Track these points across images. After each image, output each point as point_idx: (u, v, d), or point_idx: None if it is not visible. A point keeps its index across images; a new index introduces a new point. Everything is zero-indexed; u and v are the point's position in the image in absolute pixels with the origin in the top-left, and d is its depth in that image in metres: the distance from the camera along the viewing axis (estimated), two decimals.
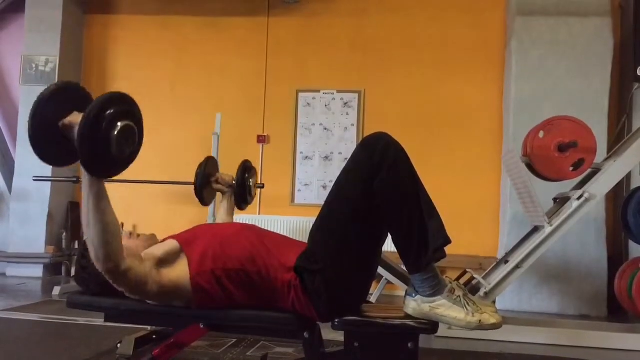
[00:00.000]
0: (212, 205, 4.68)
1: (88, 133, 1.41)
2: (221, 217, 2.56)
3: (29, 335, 3.18)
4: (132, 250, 1.69)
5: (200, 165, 2.60)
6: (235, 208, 2.63)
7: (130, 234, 1.88)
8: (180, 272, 1.71)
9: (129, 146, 1.49)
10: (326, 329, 1.73)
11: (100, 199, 1.52)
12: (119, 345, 2.64)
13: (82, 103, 1.51)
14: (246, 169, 2.67)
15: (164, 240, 1.86)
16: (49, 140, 1.53)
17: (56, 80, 5.65)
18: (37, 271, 5.51)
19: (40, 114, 1.50)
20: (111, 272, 1.58)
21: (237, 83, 5.72)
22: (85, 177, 1.50)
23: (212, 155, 4.91)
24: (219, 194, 2.70)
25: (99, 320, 2.73)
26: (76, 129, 1.44)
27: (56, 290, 4.47)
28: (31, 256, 5.48)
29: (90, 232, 1.53)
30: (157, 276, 1.68)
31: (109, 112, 1.43)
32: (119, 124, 1.44)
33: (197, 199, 2.64)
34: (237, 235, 1.78)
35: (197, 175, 2.56)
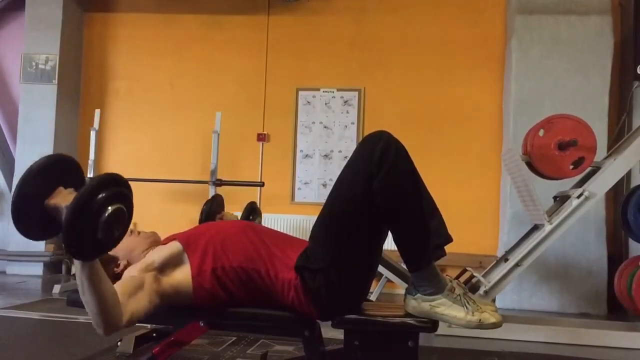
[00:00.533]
0: None
1: (75, 223, 1.36)
2: None
3: (29, 334, 3.18)
4: (126, 289, 1.60)
5: (207, 202, 2.57)
6: None
7: (131, 232, 1.88)
8: (181, 275, 1.71)
9: (117, 229, 1.45)
10: (326, 327, 1.73)
11: (93, 277, 1.46)
12: (119, 343, 2.66)
13: (73, 177, 1.51)
14: (252, 210, 2.65)
15: (166, 239, 1.86)
16: (32, 218, 1.47)
17: (56, 79, 5.66)
18: (37, 269, 5.51)
19: (26, 191, 1.43)
20: (114, 330, 1.55)
21: (237, 81, 5.72)
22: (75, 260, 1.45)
23: (214, 157, 4.93)
24: None
25: None
26: (63, 212, 1.40)
27: (56, 289, 4.47)
28: (31, 254, 5.47)
29: (87, 304, 1.49)
30: (158, 287, 1.67)
31: (99, 197, 1.38)
32: (110, 208, 1.40)
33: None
34: (238, 234, 1.78)
35: (202, 212, 2.54)
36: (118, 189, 1.45)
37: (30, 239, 1.52)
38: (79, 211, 1.36)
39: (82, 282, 1.46)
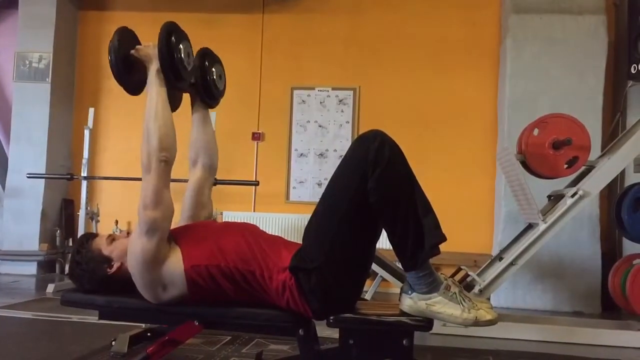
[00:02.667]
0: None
1: (166, 45, 1.84)
2: (196, 130, 2.17)
3: (23, 333, 3.17)
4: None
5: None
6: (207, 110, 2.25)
7: (128, 233, 1.88)
8: (174, 262, 1.71)
9: (190, 63, 1.95)
10: (321, 326, 1.73)
11: (165, 100, 1.83)
12: (113, 342, 2.64)
13: (136, 40, 1.98)
14: (205, 55, 2.24)
15: None
16: (125, 68, 1.92)
17: (50, 77, 5.63)
18: (31, 269, 5.49)
19: (118, 47, 1.90)
20: (167, 160, 1.76)
21: (232, 80, 5.61)
22: (155, 82, 1.84)
23: None
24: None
25: (93, 318, 2.72)
26: (147, 50, 1.86)
27: (50, 288, 4.45)
28: (25, 253, 5.45)
29: (156, 122, 1.77)
30: (164, 251, 1.71)
31: (174, 37, 1.88)
32: (181, 46, 1.90)
33: None
34: (234, 235, 1.78)
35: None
36: (183, 33, 1.97)
37: (128, 89, 2.00)
38: (166, 41, 1.85)
39: (158, 101, 1.81)
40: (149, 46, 1.87)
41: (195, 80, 2.14)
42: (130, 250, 1.73)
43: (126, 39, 1.95)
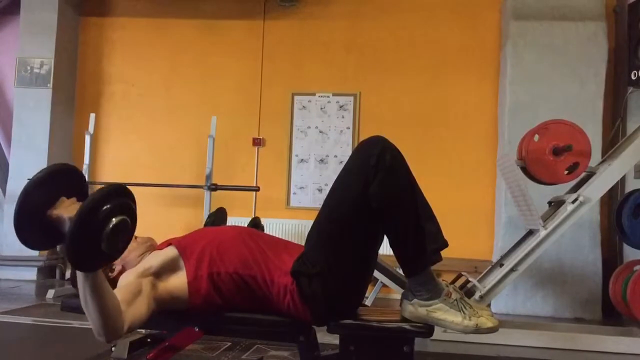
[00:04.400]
0: (207, 208, 4.68)
1: (79, 235, 1.35)
2: None
3: (23, 339, 3.16)
4: (126, 296, 1.59)
5: (210, 215, 2.50)
6: None
7: None
8: (177, 281, 1.70)
9: (122, 240, 1.45)
10: (321, 332, 1.72)
11: (96, 287, 1.46)
12: (113, 348, 2.63)
13: (75, 186, 1.51)
14: (256, 225, 2.54)
15: (162, 244, 1.85)
16: (34, 228, 1.48)
17: (51, 83, 5.64)
18: (31, 274, 5.48)
19: (28, 202, 1.46)
20: (115, 339, 1.56)
21: (233, 86, 5.72)
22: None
23: (210, 162, 4.91)
24: None
25: None
26: (66, 224, 1.41)
27: (50, 293, 4.44)
28: (25, 259, 5.44)
29: (89, 314, 1.49)
30: (155, 293, 1.66)
31: (103, 208, 1.38)
32: (114, 220, 1.39)
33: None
34: (234, 240, 1.77)
35: (206, 225, 2.47)
36: (122, 200, 1.44)
37: (31, 248, 1.54)
38: (82, 223, 1.35)
39: (85, 292, 1.46)
40: (64, 209, 1.47)
41: None
42: None
43: (50, 184, 1.50)
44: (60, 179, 1.54)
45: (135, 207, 1.50)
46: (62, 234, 1.41)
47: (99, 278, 1.46)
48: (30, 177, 1.52)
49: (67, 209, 1.44)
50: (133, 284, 1.64)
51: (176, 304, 1.71)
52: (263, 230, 2.54)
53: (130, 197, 1.49)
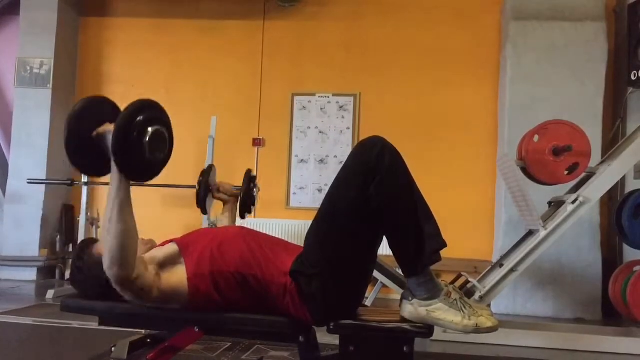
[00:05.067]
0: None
1: (122, 138, 1.49)
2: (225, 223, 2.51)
3: (23, 339, 3.17)
4: (139, 258, 1.66)
5: (203, 173, 2.55)
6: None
7: None
8: (178, 276, 1.71)
9: (160, 151, 1.60)
10: (321, 332, 1.72)
11: (126, 204, 1.56)
12: (113, 349, 2.63)
13: (113, 115, 1.58)
14: (252, 178, 2.65)
15: (163, 243, 1.85)
16: (84, 152, 1.63)
17: (51, 83, 5.65)
18: (31, 274, 5.48)
19: (75, 127, 1.61)
20: (122, 279, 1.58)
21: (233, 86, 5.72)
22: (114, 182, 1.54)
23: (209, 162, 4.91)
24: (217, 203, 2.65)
25: (93, 324, 2.71)
26: (109, 137, 1.52)
27: (50, 294, 4.45)
28: (25, 259, 5.45)
29: (110, 235, 1.54)
30: (158, 282, 1.68)
31: (139, 118, 1.52)
32: (150, 129, 1.54)
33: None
34: (235, 239, 1.77)
35: (199, 184, 2.52)
36: (155, 113, 1.61)
37: (85, 173, 1.79)
38: (124, 128, 1.50)
39: (114, 206, 1.54)
40: (108, 130, 1.58)
41: (242, 199, 2.45)
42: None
43: (91, 113, 1.65)
44: (97, 107, 1.68)
45: (169, 121, 1.68)
46: (108, 150, 1.54)
47: (129, 196, 1.57)
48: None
49: (110, 127, 1.55)
50: (142, 259, 1.68)
51: (176, 299, 1.71)
52: (255, 181, 2.67)
53: (163, 112, 1.65)
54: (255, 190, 2.68)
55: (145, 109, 1.56)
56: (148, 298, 1.67)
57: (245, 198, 2.57)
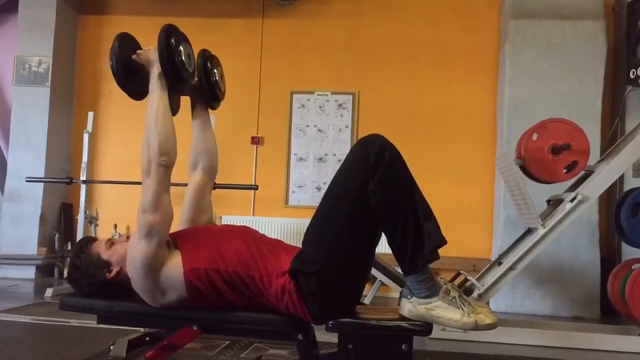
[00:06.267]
0: None
1: (165, 49, 1.82)
2: (197, 134, 2.15)
3: (21, 337, 3.16)
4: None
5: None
6: (209, 110, 2.25)
7: (127, 237, 1.87)
8: (173, 265, 1.70)
9: (190, 65, 1.97)
10: (320, 330, 1.72)
11: (168, 107, 1.81)
12: (111, 347, 2.63)
13: (138, 45, 1.95)
14: (206, 57, 2.19)
15: None
16: (127, 74, 1.89)
17: (49, 81, 5.64)
18: (30, 273, 5.47)
19: (119, 55, 1.86)
20: (167, 164, 1.73)
21: (231, 84, 5.62)
22: (157, 90, 1.81)
23: None
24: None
25: (91, 322, 2.72)
26: (147, 54, 1.85)
27: (48, 292, 4.44)
28: (23, 257, 5.44)
29: (157, 127, 1.74)
30: (162, 257, 1.69)
31: (173, 39, 1.86)
32: (181, 48, 1.89)
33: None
34: (234, 238, 1.77)
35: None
36: (183, 36, 1.96)
37: (131, 94, 1.95)
38: (165, 44, 1.83)
39: (158, 110, 1.78)
40: (149, 50, 1.86)
41: (199, 82, 2.12)
42: (129, 255, 1.73)
43: (127, 43, 1.93)
44: (130, 39, 1.94)
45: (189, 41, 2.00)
46: (146, 72, 1.86)
47: (168, 105, 1.82)
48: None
49: (147, 50, 1.87)
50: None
51: (171, 287, 1.71)
52: (219, 63, 2.28)
53: (183, 34, 1.97)
54: (216, 71, 2.24)
55: (175, 32, 1.90)
56: (151, 260, 1.68)
57: (206, 83, 2.14)
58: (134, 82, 1.94)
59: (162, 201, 1.71)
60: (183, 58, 1.89)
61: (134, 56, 1.88)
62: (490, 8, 5.38)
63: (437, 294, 1.61)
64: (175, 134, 1.79)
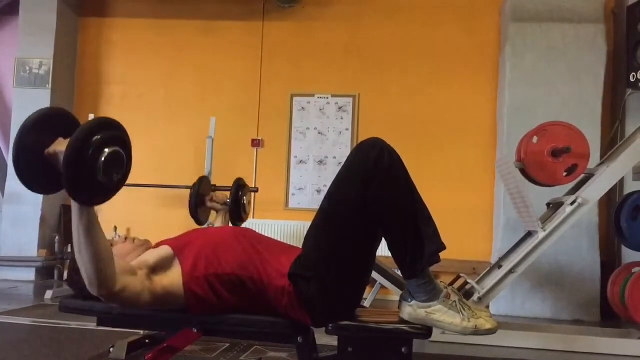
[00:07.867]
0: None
1: (74, 160, 1.35)
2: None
3: (21, 340, 3.16)
4: (123, 267, 1.61)
5: (194, 185, 2.59)
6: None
7: (126, 238, 1.87)
8: (173, 278, 1.70)
9: (116, 173, 1.45)
10: (320, 333, 1.72)
11: (91, 227, 1.46)
12: (111, 349, 2.63)
13: (69, 130, 1.43)
14: (240, 187, 2.68)
15: (157, 244, 1.85)
16: (34, 169, 1.46)
17: (50, 83, 5.64)
18: (30, 275, 5.48)
19: (25, 142, 1.43)
20: (105, 296, 1.54)
21: (232, 87, 5.72)
22: (74, 205, 1.44)
23: (208, 163, 4.92)
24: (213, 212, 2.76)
25: (91, 325, 2.71)
26: (61, 156, 1.37)
27: (48, 294, 4.44)
28: (23, 260, 5.44)
29: (82, 259, 1.48)
30: (150, 285, 1.66)
31: (95, 138, 1.38)
32: (106, 150, 1.40)
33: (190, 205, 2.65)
34: (230, 241, 1.77)
35: (191, 195, 2.56)
36: (113, 132, 1.45)
37: (34, 191, 1.51)
38: (76, 149, 1.35)
39: (79, 232, 1.45)
40: (63, 144, 1.40)
41: (230, 203, 2.63)
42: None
43: (46, 126, 1.47)
44: (55, 121, 1.50)
45: (129, 141, 1.51)
46: (60, 170, 1.39)
47: (94, 218, 1.47)
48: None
49: (62, 145, 1.39)
50: (128, 266, 1.65)
51: (171, 301, 1.70)
52: (249, 190, 2.87)
53: (121, 130, 1.49)
54: (245, 199, 2.74)
55: (104, 127, 1.42)
56: (139, 304, 1.65)
57: (235, 207, 2.65)
58: (43, 177, 1.49)
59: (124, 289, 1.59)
60: (100, 164, 1.39)
61: (46, 152, 1.44)
62: (491, 11, 5.39)
63: (437, 298, 1.61)
64: (107, 252, 1.51)
